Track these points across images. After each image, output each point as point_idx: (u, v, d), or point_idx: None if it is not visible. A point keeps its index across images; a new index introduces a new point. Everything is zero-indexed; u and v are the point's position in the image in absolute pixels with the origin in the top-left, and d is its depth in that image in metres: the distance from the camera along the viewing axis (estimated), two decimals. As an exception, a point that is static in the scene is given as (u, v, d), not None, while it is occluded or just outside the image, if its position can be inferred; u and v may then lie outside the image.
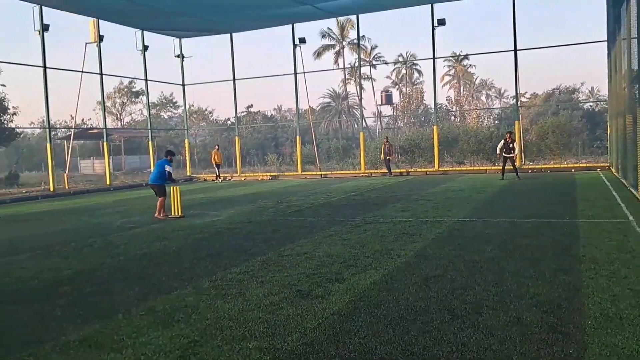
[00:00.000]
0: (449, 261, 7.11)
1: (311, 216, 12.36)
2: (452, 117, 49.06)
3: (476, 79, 68.23)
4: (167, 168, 13.24)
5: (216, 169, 28.21)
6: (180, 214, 13.11)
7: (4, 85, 28.99)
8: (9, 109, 29.68)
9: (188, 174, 31.88)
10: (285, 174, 30.28)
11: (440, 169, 26.50)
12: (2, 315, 5.59)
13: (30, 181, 31.33)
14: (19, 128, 33.50)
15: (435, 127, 27.37)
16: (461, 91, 66.95)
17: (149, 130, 32.18)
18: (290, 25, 28.68)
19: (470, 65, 65.14)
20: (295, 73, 29.14)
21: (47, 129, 24.92)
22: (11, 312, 5.71)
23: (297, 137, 29.84)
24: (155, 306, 5.65)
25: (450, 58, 62.63)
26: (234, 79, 30.84)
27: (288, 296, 5.77)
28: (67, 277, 7.22)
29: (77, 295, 6.24)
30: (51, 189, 23.89)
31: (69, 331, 4.97)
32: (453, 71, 68.02)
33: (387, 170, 26.50)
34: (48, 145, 24.37)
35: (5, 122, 29.73)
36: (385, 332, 4.58)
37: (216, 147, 28.85)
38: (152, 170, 15.17)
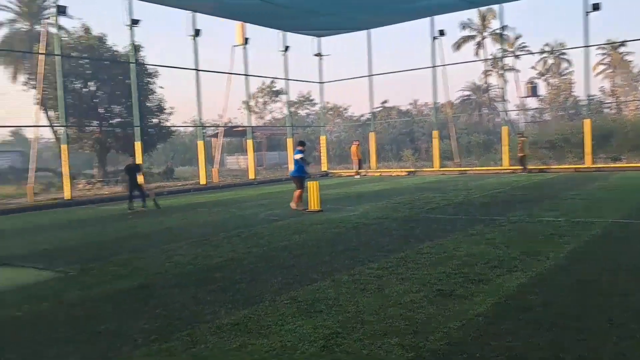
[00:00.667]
0: (604, 265, 6.53)
1: (450, 214, 12.04)
2: (607, 110, 44.97)
3: (634, 67, 61.79)
4: (296, 156, 13.82)
5: (356, 164, 28.58)
6: (318, 208, 13.48)
7: (162, 87, 31.73)
8: (166, 109, 32.50)
9: (324, 169, 32.67)
10: (422, 169, 29.82)
11: (592, 166, 24.42)
12: (164, 298, 6.14)
13: (183, 175, 34.15)
14: (174, 127, 36.61)
15: (587, 120, 25.26)
16: (617, 81, 61.06)
17: (289, 128, 33.45)
18: (428, 18, 28.14)
19: (628, 52, 59.16)
20: (434, 66, 28.57)
21: (199, 127, 26.96)
22: (171, 294, 6.25)
23: (434, 132, 29.25)
24: (298, 296, 5.85)
25: (605, 46, 57.38)
26: (370, 75, 31.00)
27: (429, 295, 5.67)
28: (219, 265, 7.75)
29: (228, 282, 6.67)
30: (202, 183, 25.82)
31: (221, 315, 5.33)
32: (608, 60, 62.24)
33: (521, 167, 24.90)
34: (200, 142, 26.35)
35: (163, 121, 32.60)
36: (534, 337, 4.32)
37: (357, 142, 29.16)
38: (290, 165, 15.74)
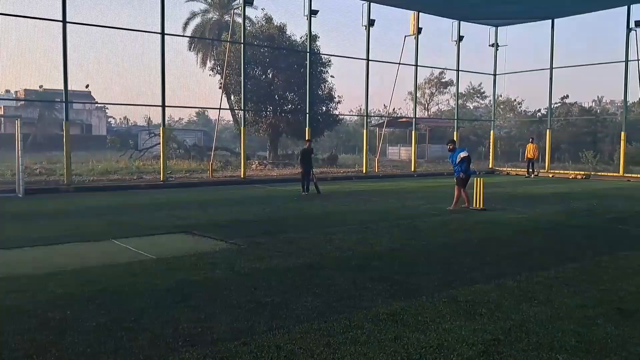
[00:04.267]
0: None
1: (636, 225, 10.79)
2: None
3: None
4: (462, 154, 13.06)
5: (529, 163, 26.98)
6: (482, 207, 12.92)
7: (332, 77, 32.66)
8: (335, 98, 33.47)
9: (490, 166, 31.25)
10: (600, 174, 27.12)
11: None
12: (325, 279, 6.33)
13: (346, 162, 34.99)
14: (341, 115, 37.48)
15: None
16: None
17: (455, 121, 32.51)
18: (624, 7, 25.29)
19: None
20: (627, 60, 25.66)
21: (365, 117, 27.38)
22: (332, 277, 6.43)
23: (622, 134, 26.34)
24: (458, 296, 5.66)
25: None
26: (551, 68, 28.80)
27: (606, 312, 5.13)
28: (378, 253, 7.79)
29: (386, 272, 6.68)
30: (364, 171, 26.24)
31: (378, 304, 5.35)
32: None
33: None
34: (364, 131, 26.78)
35: (332, 109, 33.63)
36: None
37: (531, 139, 27.46)
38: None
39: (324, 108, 32.34)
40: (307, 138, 21.24)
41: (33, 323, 4.70)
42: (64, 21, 17.08)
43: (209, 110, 58.93)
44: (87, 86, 42.54)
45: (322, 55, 30.90)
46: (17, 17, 16.94)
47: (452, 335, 4.51)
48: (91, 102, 42.23)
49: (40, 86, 51.49)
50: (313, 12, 23.42)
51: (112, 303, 5.30)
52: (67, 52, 17.23)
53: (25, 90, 50.01)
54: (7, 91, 54.01)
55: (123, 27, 19.33)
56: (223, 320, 4.83)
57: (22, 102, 50.98)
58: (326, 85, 32.04)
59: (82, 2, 25.29)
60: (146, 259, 7.39)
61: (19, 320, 4.76)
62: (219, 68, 31.05)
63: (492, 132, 32.74)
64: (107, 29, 18.99)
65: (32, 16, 17.20)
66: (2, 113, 49.92)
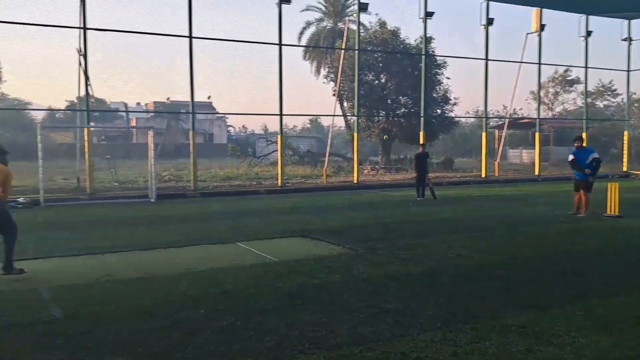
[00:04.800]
0: None
1: None
2: None
3: None
4: (593, 156, 12.20)
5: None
6: (617, 213, 11.90)
7: (448, 78, 31.81)
8: (451, 100, 32.59)
9: (624, 169, 28.76)
10: None
11: None
12: (447, 287, 6.16)
13: (462, 166, 33.89)
14: (457, 117, 36.43)
15: None
16: None
17: (584, 121, 30.33)
18: None
19: None
20: None
21: (484, 119, 26.38)
22: (454, 285, 6.23)
23: None
24: (593, 308, 5.25)
25: None
26: (695, 61, 25.98)
27: None
28: (501, 263, 7.43)
29: (512, 282, 6.35)
30: (482, 175, 25.26)
31: (505, 315, 5.09)
32: None
33: None
34: (483, 134, 25.77)
35: (447, 112, 32.79)
36: None
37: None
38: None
39: (438, 111, 31.66)
40: (421, 142, 20.87)
41: (168, 322, 5.01)
42: (190, 37, 18.24)
43: (321, 117, 60.24)
44: (209, 97, 45.28)
45: (437, 57, 30.29)
46: (146, 35, 18.40)
47: (590, 350, 4.18)
48: (214, 113, 44.74)
49: (168, 98, 55.60)
50: (428, 14, 23.02)
51: (239, 304, 5.53)
52: (193, 66, 18.38)
53: (154, 102, 54.21)
54: (138, 104, 58.82)
55: (243, 39, 20.24)
56: (345, 325, 4.85)
57: (152, 114, 55.23)
58: (441, 87, 31.35)
59: (204, 19, 26.98)
60: (268, 261, 7.64)
61: (156, 319, 5.09)
62: (332, 75, 31.51)
63: (626, 132, 30.15)
64: (227, 42, 20.02)
65: (161, 33, 18.60)
66: (135, 124, 54.32)
